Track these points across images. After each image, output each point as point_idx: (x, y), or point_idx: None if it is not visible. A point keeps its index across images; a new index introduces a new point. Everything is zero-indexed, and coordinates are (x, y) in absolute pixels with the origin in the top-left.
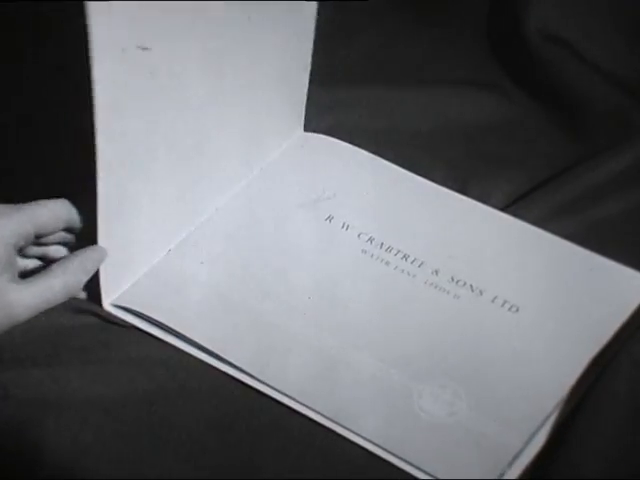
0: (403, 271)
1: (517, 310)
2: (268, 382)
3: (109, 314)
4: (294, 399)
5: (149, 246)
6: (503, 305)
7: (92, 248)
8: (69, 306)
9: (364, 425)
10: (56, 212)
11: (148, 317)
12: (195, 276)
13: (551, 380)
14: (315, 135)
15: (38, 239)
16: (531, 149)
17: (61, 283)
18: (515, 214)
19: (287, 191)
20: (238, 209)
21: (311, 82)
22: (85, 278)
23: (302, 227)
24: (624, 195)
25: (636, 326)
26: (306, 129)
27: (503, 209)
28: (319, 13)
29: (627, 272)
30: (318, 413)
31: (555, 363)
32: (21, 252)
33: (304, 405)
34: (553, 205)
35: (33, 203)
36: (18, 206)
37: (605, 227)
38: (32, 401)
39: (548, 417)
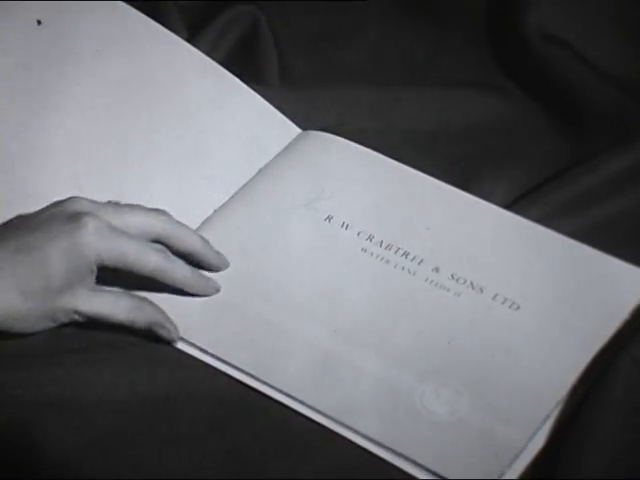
0: (403, 269)
1: (518, 308)
2: (269, 382)
3: None
4: (295, 398)
5: None
6: (504, 303)
7: (168, 320)
8: None
9: (366, 424)
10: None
11: None
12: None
13: (552, 378)
14: (315, 132)
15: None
16: (531, 149)
17: (124, 311)
18: (516, 214)
19: (286, 191)
20: (237, 210)
21: (311, 82)
22: (146, 323)
23: (302, 228)
24: (624, 195)
25: (637, 324)
26: (306, 129)
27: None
28: (319, 13)
29: (628, 268)
30: (319, 413)
31: (556, 361)
32: None
33: (305, 405)
34: (553, 205)
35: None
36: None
37: (605, 227)
38: (32, 401)
39: (549, 416)
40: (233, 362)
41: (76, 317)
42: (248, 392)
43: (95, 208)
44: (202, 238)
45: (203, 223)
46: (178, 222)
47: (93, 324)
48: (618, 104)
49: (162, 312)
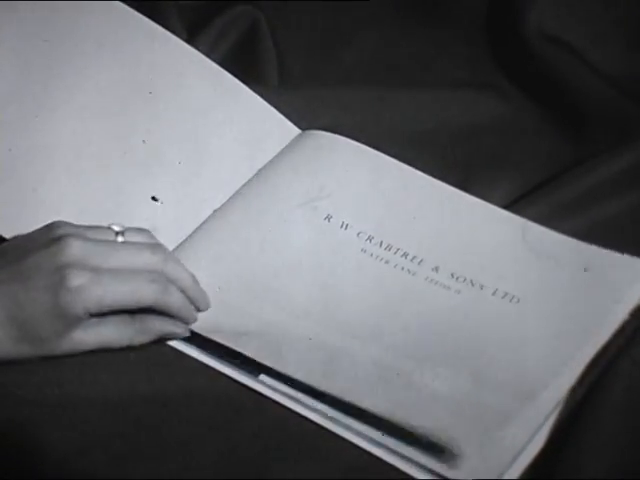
0: (403, 269)
1: (518, 301)
2: (273, 366)
3: None
4: (298, 381)
5: None
6: (504, 297)
7: (176, 324)
8: None
9: (369, 401)
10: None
11: None
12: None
13: (552, 378)
14: (314, 132)
15: None
16: (531, 150)
17: (127, 338)
18: (515, 214)
19: (286, 190)
20: (237, 210)
21: (311, 82)
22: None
23: (301, 228)
24: (624, 195)
25: (637, 324)
26: (305, 129)
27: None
28: (319, 14)
29: (628, 261)
30: (317, 414)
31: (556, 362)
32: None
33: (304, 404)
34: (553, 205)
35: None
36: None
37: (605, 227)
38: (32, 401)
39: (549, 416)
40: (237, 349)
41: (80, 351)
42: (247, 393)
43: (83, 252)
44: (192, 277)
45: (203, 223)
46: (172, 259)
47: None
48: (618, 104)
49: (166, 320)
